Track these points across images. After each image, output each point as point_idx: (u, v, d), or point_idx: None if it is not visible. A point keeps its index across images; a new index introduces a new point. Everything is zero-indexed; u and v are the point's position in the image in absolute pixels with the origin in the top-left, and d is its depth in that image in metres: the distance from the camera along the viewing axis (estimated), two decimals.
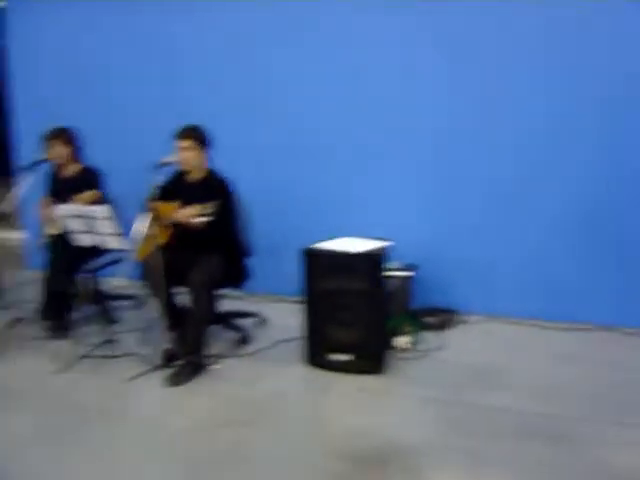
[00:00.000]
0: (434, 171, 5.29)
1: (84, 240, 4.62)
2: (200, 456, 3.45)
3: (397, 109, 5.33)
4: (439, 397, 3.97)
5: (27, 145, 6.59)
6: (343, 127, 5.50)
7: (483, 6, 5.07)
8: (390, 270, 4.59)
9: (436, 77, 5.22)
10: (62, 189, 5.20)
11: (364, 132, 5.43)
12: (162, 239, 4.56)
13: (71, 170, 5.29)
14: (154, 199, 4.47)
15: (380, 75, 5.37)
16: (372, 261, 4.22)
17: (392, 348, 4.60)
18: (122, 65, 6.34)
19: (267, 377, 4.35)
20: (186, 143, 4.54)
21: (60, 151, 5.18)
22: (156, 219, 4.44)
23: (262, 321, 5.29)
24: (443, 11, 5.14)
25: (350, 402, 3.97)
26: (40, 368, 4.59)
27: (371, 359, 4.30)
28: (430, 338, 4.88)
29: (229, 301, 5.50)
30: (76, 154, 5.28)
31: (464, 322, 5.24)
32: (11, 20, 6.95)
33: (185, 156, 4.55)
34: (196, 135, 4.56)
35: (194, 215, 4.20)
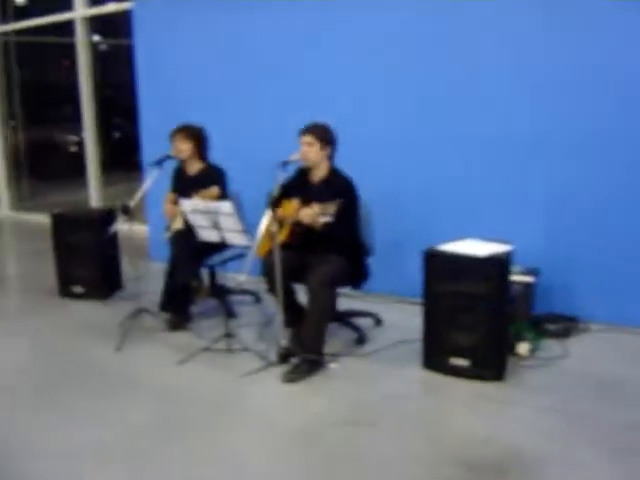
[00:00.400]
0: (560, 172, 5.08)
1: (207, 235, 4.70)
2: (314, 455, 3.44)
3: (529, 111, 5.15)
4: (560, 408, 3.82)
5: (153, 142, 6.79)
6: (468, 125, 5.36)
7: None
8: (512, 274, 4.46)
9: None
10: (186, 185, 5.31)
11: (488, 131, 5.29)
12: (283, 237, 4.58)
13: (195, 167, 5.40)
14: (276, 197, 4.49)
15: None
16: (497, 265, 4.11)
17: (512, 355, 4.46)
18: (250, 62, 6.42)
19: (383, 378, 4.30)
20: (307, 138, 4.55)
21: (184, 147, 5.29)
22: (277, 217, 4.45)
23: (380, 321, 5.23)
24: None
25: (467, 408, 3.88)
26: (159, 360, 4.71)
27: (490, 365, 4.18)
28: (551, 346, 4.71)
29: (347, 300, 5.50)
30: (201, 151, 5.37)
31: (587, 330, 5.02)
32: (138, 20, 7.17)
33: (305, 151, 4.55)
34: (318, 132, 4.55)
35: (316, 214, 4.18)
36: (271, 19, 6.21)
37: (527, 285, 4.91)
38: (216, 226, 4.53)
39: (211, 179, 5.20)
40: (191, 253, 5.08)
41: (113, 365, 4.66)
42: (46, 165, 12.27)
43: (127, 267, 6.09)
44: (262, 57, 6.32)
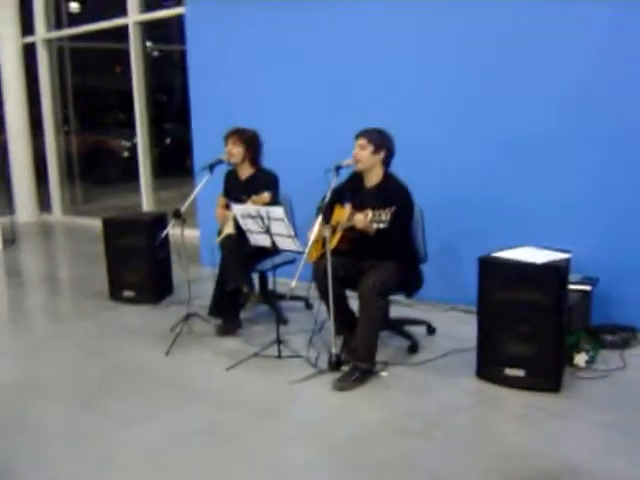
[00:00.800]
0: (622, 179, 4.94)
1: (258, 240, 4.67)
2: (363, 466, 3.37)
3: (599, 114, 5.01)
4: (617, 422, 3.69)
5: (204, 146, 6.80)
6: (528, 129, 5.24)
7: None
8: (570, 283, 4.33)
9: None
10: (238, 189, 5.30)
11: (548, 135, 5.15)
12: (334, 242, 4.52)
13: (247, 171, 5.37)
14: (328, 202, 4.44)
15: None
16: (555, 273, 3.99)
17: (569, 366, 4.34)
18: (302, 66, 6.39)
19: (436, 388, 4.21)
20: (361, 141, 4.48)
21: (235, 150, 5.26)
22: (329, 222, 4.40)
23: (433, 330, 5.14)
24: None
25: (522, 421, 3.77)
26: (208, 365, 4.70)
27: (546, 376, 4.06)
28: (609, 357, 4.56)
29: (400, 308, 5.44)
30: (253, 156, 5.33)
31: None
32: (190, 25, 7.20)
33: (357, 154, 4.49)
34: (372, 135, 4.48)
35: (368, 221, 4.10)
36: (322, 22, 6.16)
37: (585, 294, 4.78)
38: (267, 231, 4.50)
39: (263, 184, 5.16)
40: (241, 258, 5.05)
41: (162, 369, 4.65)
42: (99, 170, 12.41)
43: (178, 272, 6.08)
44: (315, 61, 6.27)
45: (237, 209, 4.62)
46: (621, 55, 4.82)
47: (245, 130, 5.29)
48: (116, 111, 12.56)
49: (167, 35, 11.06)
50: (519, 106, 5.24)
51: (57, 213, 11.37)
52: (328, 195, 4.45)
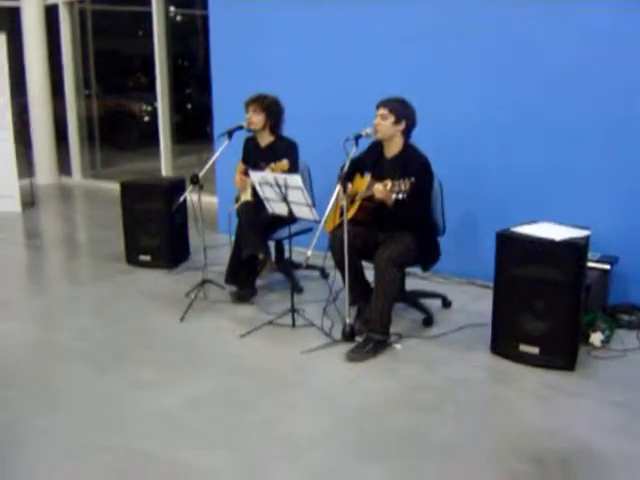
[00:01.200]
0: (636, 158, 4.86)
1: (275, 208, 4.65)
2: (373, 436, 3.37)
3: (611, 94, 4.92)
4: (631, 402, 3.66)
5: (225, 113, 6.76)
6: (548, 107, 5.15)
7: None
8: (588, 261, 4.29)
9: None
10: (257, 156, 5.28)
11: (569, 114, 5.07)
12: (352, 212, 4.50)
13: (267, 139, 5.33)
14: (347, 171, 4.40)
15: None
16: (574, 251, 3.93)
17: (584, 345, 4.30)
18: (326, 33, 6.30)
19: (449, 362, 4.19)
20: (382, 111, 4.42)
21: (256, 118, 5.22)
22: (348, 192, 4.36)
23: (448, 303, 5.11)
24: None
25: (535, 398, 3.74)
26: (222, 332, 4.72)
27: (561, 354, 4.03)
28: (626, 337, 4.51)
29: (416, 280, 5.42)
30: (273, 123, 5.29)
31: None
32: None
33: (378, 123, 4.43)
34: (394, 105, 4.41)
35: (387, 191, 4.06)
36: None
37: (604, 273, 4.73)
38: (284, 199, 4.47)
39: (282, 151, 5.11)
40: (258, 225, 5.04)
41: (176, 335, 4.67)
42: (119, 134, 12.42)
43: (195, 237, 6.08)
44: (336, 28, 6.19)
45: (255, 176, 4.59)
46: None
47: (266, 97, 5.24)
48: (138, 75, 12.54)
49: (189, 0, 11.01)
50: (541, 80, 5.15)
51: (76, 176, 11.40)
52: (347, 164, 4.41)
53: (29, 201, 9.25)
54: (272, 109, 5.24)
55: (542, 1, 5.05)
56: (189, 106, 11.93)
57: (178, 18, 11.66)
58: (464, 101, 5.52)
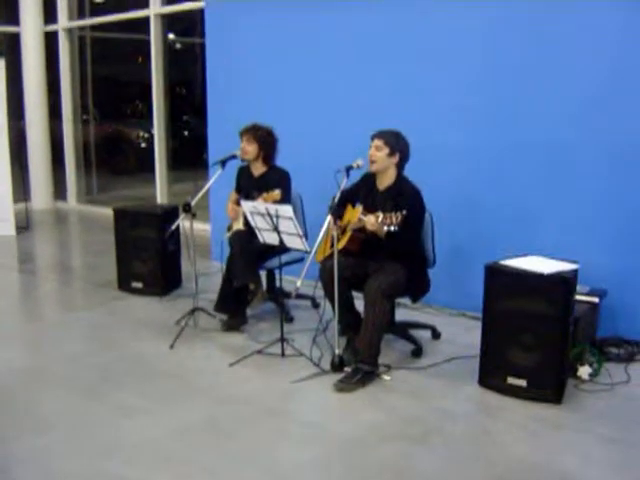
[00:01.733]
0: (631, 189, 4.88)
1: (266, 238, 4.66)
2: (360, 468, 3.37)
3: (602, 123, 4.96)
4: (618, 437, 3.65)
5: (220, 141, 6.80)
6: (536, 137, 5.20)
7: None
8: (577, 294, 4.31)
9: None
10: (250, 186, 5.31)
11: (557, 144, 5.11)
12: (343, 243, 4.52)
13: (260, 169, 5.36)
14: (339, 202, 4.43)
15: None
16: (562, 284, 3.95)
17: (572, 378, 4.31)
18: (320, 64, 6.36)
19: (437, 394, 4.19)
20: (377, 142, 4.46)
21: (250, 148, 5.25)
22: (339, 222, 4.39)
23: (438, 335, 5.12)
24: None
25: (521, 431, 3.73)
26: (212, 360, 4.72)
27: (549, 387, 4.04)
28: (614, 371, 4.50)
29: (406, 311, 5.43)
30: (267, 154, 5.33)
31: None
32: (209, 19, 7.21)
33: (372, 154, 4.47)
34: (389, 137, 4.46)
35: (379, 224, 4.09)
36: (339, 21, 6.13)
37: (592, 306, 4.74)
38: (275, 229, 4.49)
39: (275, 181, 5.14)
40: (250, 255, 5.06)
41: (165, 362, 4.67)
42: (115, 159, 12.46)
43: (187, 265, 6.09)
44: (332, 59, 6.25)
45: (246, 205, 4.61)
46: (632, 64, 4.77)
47: (260, 127, 5.28)
48: (136, 101, 12.60)
49: (190, 28, 11.08)
50: (532, 114, 5.21)
51: (72, 201, 11.42)
52: (338, 195, 4.44)
53: (24, 225, 9.26)
54: (265, 140, 5.28)
55: (530, 39, 5.11)
56: (186, 133, 11.98)
57: (177, 46, 11.76)
58: (456, 132, 5.57)
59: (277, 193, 4.87)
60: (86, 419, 3.83)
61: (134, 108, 12.71)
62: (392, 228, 4.06)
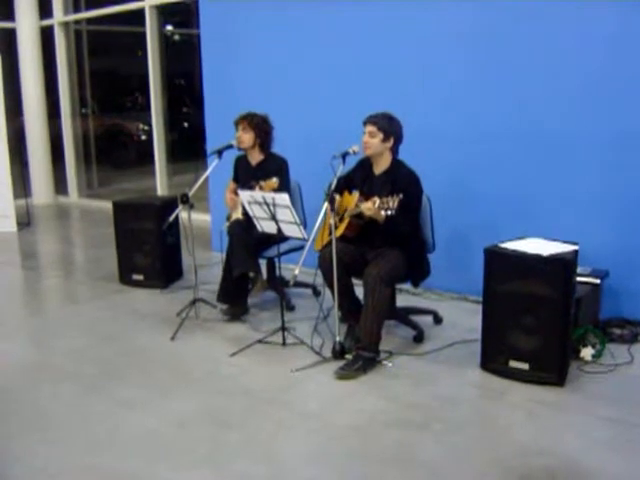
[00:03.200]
0: (632, 170, 4.84)
1: (265, 227, 4.65)
2: (363, 455, 3.35)
3: (603, 108, 4.92)
4: (622, 418, 3.63)
5: (217, 131, 6.78)
6: (538, 120, 5.16)
7: None
8: (578, 276, 4.28)
9: None
10: (248, 175, 5.29)
11: (559, 127, 5.08)
12: (341, 229, 4.49)
13: (257, 157, 5.35)
14: (335, 189, 4.40)
15: None
16: (563, 266, 3.92)
17: (574, 360, 4.29)
18: (313, 53, 6.34)
19: (439, 379, 4.17)
20: (370, 128, 4.43)
21: (246, 137, 5.24)
22: (336, 209, 4.36)
23: (439, 319, 5.10)
24: None
25: (524, 414, 3.72)
26: (213, 350, 4.70)
27: (551, 370, 4.01)
28: (617, 352, 4.48)
29: (407, 296, 5.41)
30: (263, 141, 5.31)
31: None
32: (204, 9, 7.17)
33: (366, 141, 4.44)
34: (382, 122, 4.42)
35: (376, 208, 4.06)
36: (334, 10, 6.09)
37: (594, 287, 4.71)
38: (273, 218, 4.47)
39: (273, 169, 5.13)
40: (249, 244, 5.04)
41: (166, 354, 4.65)
42: (115, 153, 12.45)
43: (187, 256, 6.08)
44: (328, 47, 6.22)
45: (244, 195, 4.59)
46: (628, 52, 4.72)
47: (255, 115, 5.26)
48: (135, 94, 12.57)
49: (188, 19, 11.04)
50: (529, 98, 5.16)
51: (73, 195, 11.42)
52: (334, 182, 4.41)
53: (25, 221, 9.26)
54: (261, 127, 5.25)
55: (528, 27, 5.07)
56: (185, 124, 11.95)
57: (176, 37, 11.72)
58: (454, 116, 5.53)
59: (275, 181, 4.84)
60: (87, 412, 3.83)
61: (133, 101, 12.68)
62: (389, 212, 4.04)
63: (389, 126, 4.45)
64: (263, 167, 5.28)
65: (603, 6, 4.76)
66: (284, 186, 5.04)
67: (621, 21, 4.73)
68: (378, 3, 5.80)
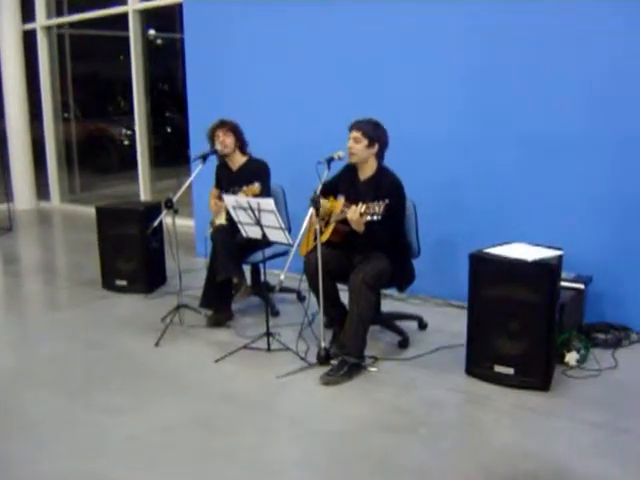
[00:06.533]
0: (618, 175, 4.86)
1: (249, 232, 4.63)
2: (348, 460, 3.35)
3: (587, 111, 4.95)
4: (611, 423, 3.63)
5: (201, 136, 6.74)
6: (523, 125, 5.18)
7: None
8: (562, 281, 4.30)
9: None
10: (230, 180, 5.30)
11: (544, 131, 5.09)
12: (326, 235, 4.49)
13: (239, 161, 5.37)
14: (320, 194, 4.40)
15: None
16: (546, 271, 3.94)
17: (559, 365, 4.30)
18: (297, 58, 6.33)
19: (424, 384, 4.17)
20: (355, 134, 4.43)
21: (229, 140, 5.28)
22: (321, 214, 4.36)
23: (424, 325, 5.10)
24: None
25: (509, 419, 3.72)
26: (198, 356, 4.68)
27: (536, 375, 4.02)
28: (601, 357, 4.50)
29: (391, 302, 5.41)
30: (242, 143, 5.37)
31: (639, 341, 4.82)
32: (188, 14, 7.16)
33: (351, 147, 4.44)
34: (366, 128, 4.42)
35: (361, 214, 4.06)
36: (318, 14, 6.09)
37: (578, 292, 4.74)
38: (258, 223, 4.46)
39: (254, 173, 5.15)
40: (232, 249, 5.04)
41: (151, 360, 4.63)
42: (98, 158, 12.37)
43: (171, 262, 6.05)
44: (311, 51, 6.22)
45: (229, 200, 4.58)
46: (633, 58, 4.73)
47: (230, 120, 5.36)
48: (118, 98, 12.51)
49: (171, 23, 11.01)
50: (516, 105, 5.18)
51: (55, 201, 11.34)
52: (319, 188, 4.41)
53: (7, 226, 9.19)
54: (238, 129, 5.36)
55: (518, 33, 5.09)
56: (169, 129, 11.91)
57: (158, 41, 11.67)
58: (439, 123, 5.54)
59: (257, 187, 4.86)
60: (71, 419, 3.79)
61: (116, 105, 12.62)
62: (375, 217, 4.03)
63: (374, 132, 4.45)
64: (244, 171, 5.31)
65: (601, 8, 4.79)
66: (266, 191, 5.04)
67: (620, 21, 4.75)
68: (362, 9, 5.80)
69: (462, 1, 5.29)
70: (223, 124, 5.29)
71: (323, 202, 4.51)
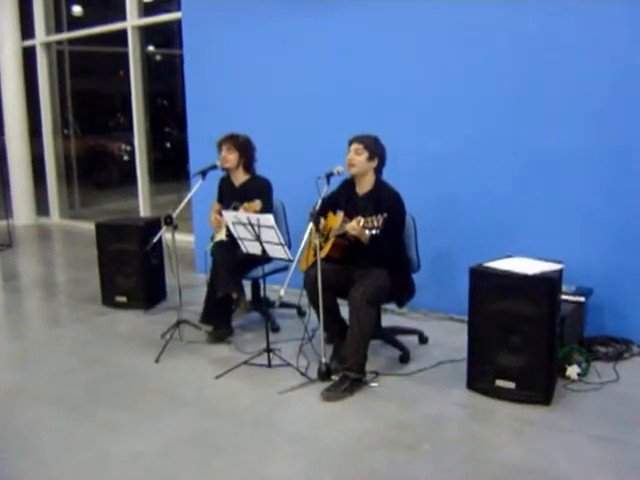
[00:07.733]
0: (617, 189, 4.87)
1: (249, 247, 4.63)
2: (352, 476, 3.34)
3: (585, 125, 4.95)
4: (614, 437, 3.62)
5: (200, 151, 6.76)
6: (523, 138, 5.18)
7: None
8: (563, 294, 4.29)
9: None
10: (232, 196, 5.29)
11: (543, 144, 5.10)
12: (326, 250, 4.49)
13: (241, 178, 5.35)
14: (320, 209, 4.40)
15: None
16: (547, 284, 3.93)
17: (560, 378, 4.29)
18: (297, 73, 6.35)
19: (426, 399, 4.16)
20: (356, 146, 4.46)
21: (230, 157, 5.26)
22: (321, 229, 4.36)
23: (425, 339, 5.09)
24: None
25: (513, 434, 3.71)
26: (198, 372, 4.67)
27: (537, 389, 4.01)
28: (602, 370, 4.49)
29: (392, 316, 5.40)
30: (247, 161, 5.33)
31: None
32: (186, 30, 7.18)
33: (351, 158, 4.46)
34: (367, 142, 4.46)
35: (360, 228, 4.06)
36: (315, 31, 6.12)
37: (578, 305, 4.74)
38: (257, 238, 4.46)
39: (256, 191, 5.13)
40: (232, 264, 5.03)
41: (151, 377, 4.61)
42: (98, 173, 12.39)
43: (171, 277, 6.04)
44: (311, 68, 6.23)
45: (228, 216, 4.58)
46: (633, 75, 4.74)
47: (238, 136, 5.28)
48: (117, 114, 12.55)
49: (170, 39, 11.05)
50: (515, 117, 5.20)
51: (55, 216, 11.34)
52: (319, 203, 4.41)
53: (6, 242, 9.19)
54: (245, 146, 5.29)
55: (515, 41, 5.11)
56: (168, 145, 11.94)
57: (158, 57, 11.72)
58: (438, 137, 5.54)
59: (257, 203, 4.85)
60: (71, 436, 3.78)
61: (116, 121, 12.65)
62: (374, 231, 4.03)
63: (375, 147, 4.49)
64: (246, 188, 5.29)
65: (600, 25, 4.81)
66: (267, 208, 5.03)
67: (621, 36, 4.77)
68: (361, 22, 5.83)
69: (461, 19, 5.30)
70: (229, 139, 5.26)
71: (322, 217, 4.52)
